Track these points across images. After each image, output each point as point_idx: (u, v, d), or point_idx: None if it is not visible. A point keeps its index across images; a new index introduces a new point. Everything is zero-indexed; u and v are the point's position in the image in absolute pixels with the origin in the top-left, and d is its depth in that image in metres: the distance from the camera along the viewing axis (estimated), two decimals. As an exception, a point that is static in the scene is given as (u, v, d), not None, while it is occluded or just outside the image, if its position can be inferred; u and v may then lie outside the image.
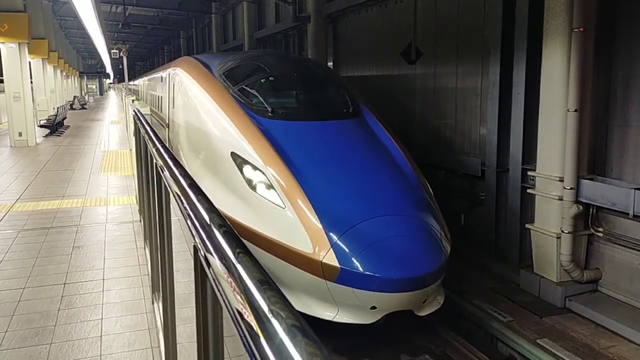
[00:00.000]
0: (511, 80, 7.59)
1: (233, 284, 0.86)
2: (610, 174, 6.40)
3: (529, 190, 7.11)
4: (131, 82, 36.35)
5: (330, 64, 14.42)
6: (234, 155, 5.88)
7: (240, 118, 6.22)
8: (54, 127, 16.33)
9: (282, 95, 7.04)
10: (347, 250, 4.82)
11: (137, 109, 5.76)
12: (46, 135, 15.60)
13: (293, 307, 0.72)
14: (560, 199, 6.41)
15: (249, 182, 5.59)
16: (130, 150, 10.76)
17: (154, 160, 2.66)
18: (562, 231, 6.42)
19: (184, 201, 1.51)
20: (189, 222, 1.34)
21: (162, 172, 2.19)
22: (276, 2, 18.65)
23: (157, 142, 2.74)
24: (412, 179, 5.94)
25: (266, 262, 5.13)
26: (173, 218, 2.46)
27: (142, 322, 3.44)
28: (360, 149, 6.15)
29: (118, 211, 6.43)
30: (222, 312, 1.14)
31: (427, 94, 10.20)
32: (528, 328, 6.07)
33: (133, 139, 7.08)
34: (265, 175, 5.52)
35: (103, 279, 4.21)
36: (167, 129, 9.84)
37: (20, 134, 13.15)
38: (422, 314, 5.33)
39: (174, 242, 2.45)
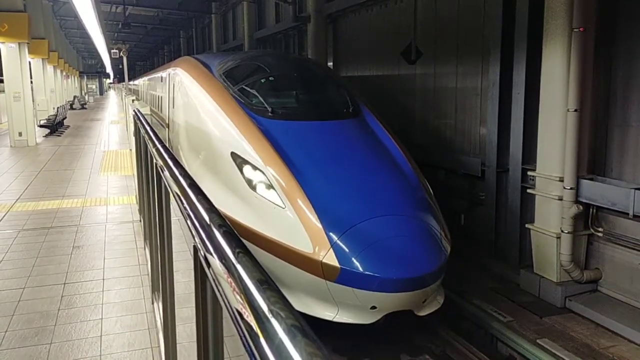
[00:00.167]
0: (511, 80, 7.59)
1: (233, 284, 0.86)
2: (610, 174, 6.40)
3: (529, 190, 7.11)
4: (131, 82, 36.35)
5: (330, 64, 14.42)
6: (234, 155, 5.88)
7: (240, 118, 6.22)
8: (54, 127, 16.33)
9: (282, 95, 7.04)
10: (347, 250, 4.82)
11: (137, 109, 5.76)
12: (46, 135, 15.60)
13: (293, 307, 0.72)
14: (560, 199, 6.41)
15: (249, 182, 5.59)
16: (130, 150, 10.76)
17: (154, 160, 2.66)
18: (562, 231, 6.42)
19: (184, 201, 1.51)
20: (188, 222, 1.34)
21: (162, 172, 2.19)
22: (276, 2, 18.65)
23: (157, 142, 2.74)
24: (412, 179, 5.94)
25: (266, 262, 5.13)
26: (173, 218, 2.46)
27: (142, 322, 3.44)
28: (360, 149, 6.15)
29: (118, 211, 6.43)
30: (222, 312, 1.14)
31: (427, 94, 10.20)
32: (528, 328, 6.07)
33: (133, 138, 7.08)
34: (265, 175, 5.52)
35: (103, 279, 4.21)
36: (167, 129, 9.84)
37: (20, 134, 13.15)
38: (422, 314, 5.33)
39: (174, 242, 2.45)
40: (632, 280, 6.13)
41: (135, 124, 5.03)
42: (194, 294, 1.28)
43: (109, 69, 57.06)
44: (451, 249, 5.51)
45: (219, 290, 0.95)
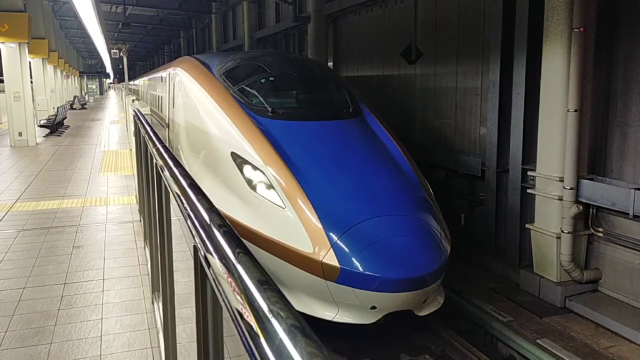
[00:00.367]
0: (511, 80, 7.59)
1: (233, 284, 0.86)
2: (610, 174, 6.41)
3: (529, 190, 7.11)
4: (131, 82, 36.38)
5: (330, 63, 14.43)
6: (234, 155, 5.88)
7: (240, 118, 6.22)
8: (54, 127, 16.33)
9: (283, 95, 7.04)
10: (347, 250, 4.82)
11: (137, 109, 5.76)
12: (46, 135, 15.60)
13: (293, 307, 0.72)
14: (560, 199, 6.41)
15: (249, 182, 5.59)
16: (130, 150, 10.76)
17: (154, 160, 2.66)
18: (562, 231, 6.42)
19: (184, 201, 1.51)
20: (189, 222, 1.34)
21: (162, 172, 2.19)
22: (276, 2, 18.66)
23: (157, 142, 2.74)
24: (412, 179, 5.94)
25: (266, 262, 5.13)
26: (173, 218, 2.46)
27: (142, 322, 3.44)
28: (361, 149, 6.15)
29: (118, 211, 6.43)
30: (222, 312, 1.14)
31: (428, 93, 10.20)
32: (528, 328, 6.08)
33: (133, 138, 7.08)
34: (265, 175, 5.52)
35: (103, 279, 4.21)
36: (167, 128, 9.84)
37: (20, 134, 13.15)
38: (422, 313, 5.33)
39: (174, 242, 2.45)
40: (632, 281, 6.13)
41: (135, 124, 5.03)
42: (194, 294, 1.28)
43: (109, 69, 57.11)
44: (451, 249, 5.51)
45: (219, 290, 0.95)
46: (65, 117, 19.97)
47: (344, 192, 5.38)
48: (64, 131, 17.14)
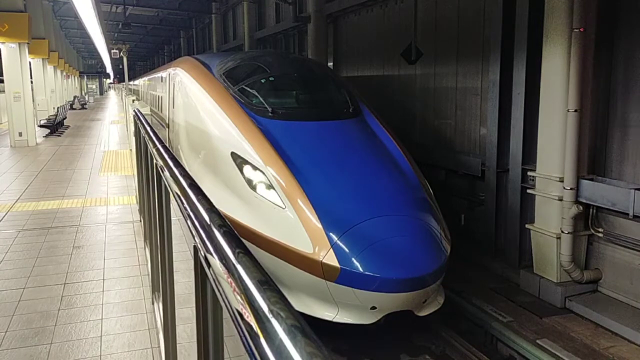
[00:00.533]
0: (511, 80, 7.59)
1: (233, 284, 0.86)
2: (610, 174, 6.41)
3: (529, 191, 7.11)
4: (131, 82, 36.38)
5: (330, 64, 14.43)
6: (234, 155, 5.88)
7: (240, 118, 6.22)
8: (54, 127, 16.33)
9: (283, 95, 7.04)
10: (347, 250, 4.82)
11: (137, 109, 5.76)
12: (46, 135, 15.60)
13: (293, 308, 0.72)
14: (560, 199, 6.41)
15: (249, 182, 5.59)
16: (130, 150, 10.76)
17: (154, 161, 2.66)
18: (562, 231, 6.42)
19: (184, 201, 1.51)
20: (189, 222, 1.34)
21: (162, 172, 2.19)
22: (276, 2, 18.66)
23: (157, 142, 2.74)
24: (412, 179, 5.94)
25: (266, 262, 5.13)
26: (173, 218, 2.46)
27: (142, 322, 3.44)
28: (361, 149, 6.15)
29: (118, 211, 6.43)
30: (222, 312, 1.14)
31: (428, 94, 10.20)
32: (528, 328, 6.08)
33: (133, 139, 7.08)
34: (266, 175, 5.52)
35: (103, 279, 4.21)
36: (167, 129, 9.84)
37: (20, 134, 13.15)
38: (422, 314, 5.33)
39: (174, 242, 2.45)
40: (632, 281, 6.13)
41: (136, 124, 5.03)
42: (194, 294, 1.28)
43: (109, 69, 57.09)
44: (451, 249, 5.51)
45: (219, 291, 0.95)
46: (65, 117, 19.97)
47: (344, 192, 5.38)
48: (64, 131, 17.14)
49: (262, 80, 7.17)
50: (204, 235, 1.15)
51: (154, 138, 2.99)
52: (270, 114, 6.32)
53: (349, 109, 6.79)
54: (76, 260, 4.67)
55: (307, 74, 7.54)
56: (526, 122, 7.32)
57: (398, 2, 11.18)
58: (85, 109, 31.64)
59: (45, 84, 20.25)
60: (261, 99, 6.61)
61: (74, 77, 43.92)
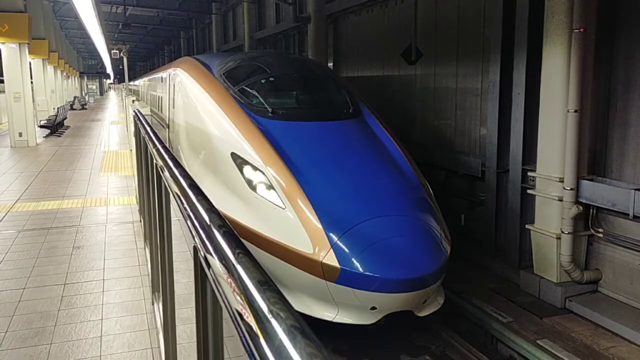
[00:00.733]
0: (511, 81, 7.59)
1: (233, 284, 0.86)
2: (610, 174, 6.41)
3: (529, 191, 7.11)
4: (131, 83, 36.38)
5: (330, 64, 14.43)
6: (234, 156, 5.88)
7: (240, 118, 6.22)
8: (54, 127, 16.33)
9: (283, 96, 7.04)
10: (347, 250, 4.82)
11: (137, 109, 5.76)
12: (46, 136, 15.60)
13: (293, 308, 0.72)
14: (560, 199, 6.41)
15: (249, 182, 5.59)
16: (130, 150, 10.76)
17: (154, 161, 2.66)
18: (562, 232, 6.42)
19: (184, 202, 1.51)
20: (189, 222, 1.34)
21: (162, 173, 2.20)
22: (276, 2, 18.66)
23: (157, 143, 2.74)
24: (412, 179, 5.94)
25: (266, 262, 5.13)
26: (173, 218, 2.46)
27: (142, 323, 3.44)
28: (361, 149, 6.15)
29: (118, 211, 6.43)
30: (222, 312, 1.14)
31: (428, 94, 10.20)
32: (528, 329, 6.08)
33: (133, 139, 7.08)
34: (266, 176, 5.52)
35: (103, 280, 4.21)
36: (167, 129, 9.84)
37: (20, 134, 13.16)
38: (422, 314, 5.33)
39: (174, 242, 2.45)
40: (632, 281, 6.13)
41: (136, 124, 5.03)
42: (194, 295, 1.28)
43: (109, 70, 57.07)
44: (451, 249, 5.51)
45: (219, 291, 0.95)
46: (66, 118, 19.98)
47: (344, 192, 5.38)
48: (64, 132, 17.15)
49: (262, 81, 7.17)
50: (203, 236, 1.15)
51: (154, 138, 2.99)
52: (270, 115, 6.32)
53: (349, 110, 6.79)
54: (76, 260, 4.67)
55: (307, 74, 7.54)
56: (526, 123, 7.32)
57: (398, 2, 11.19)
58: (86, 109, 31.64)
59: (46, 84, 20.25)
60: (261, 99, 6.61)
61: (74, 77, 43.92)
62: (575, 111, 6.17)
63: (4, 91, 15.44)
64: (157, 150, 2.55)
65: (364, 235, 4.93)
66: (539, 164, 6.80)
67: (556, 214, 6.51)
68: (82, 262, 4.64)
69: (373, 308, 4.90)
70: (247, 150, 5.81)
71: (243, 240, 1.04)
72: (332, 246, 4.84)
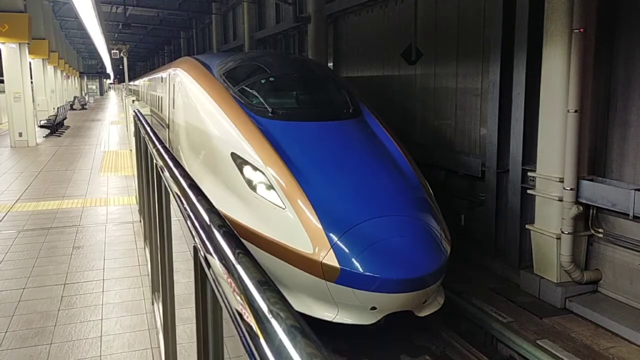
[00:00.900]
0: (511, 81, 7.59)
1: (233, 284, 0.86)
2: (610, 174, 6.41)
3: (529, 191, 7.11)
4: (131, 83, 36.38)
5: (330, 64, 14.43)
6: (234, 156, 5.88)
7: (240, 118, 6.22)
8: (54, 127, 16.33)
9: (283, 96, 7.04)
10: (347, 250, 4.82)
11: (137, 109, 5.76)
12: (46, 136, 15.60)
13: (293, 308, 0.72)
14: (561, 199, 6.41)
15: (249, 182, 5.59)
16: (130, 150, 10.76)
17: (154, 161, 2.66)
18: (562, 232, 6.42)
19: (184, 202, 1.51)
20: (189, 222, 1.34)
21: (162, 173, 2.19)
22: (276, 2, 18.66)
23: (157, 143, 2.74)
24: (412, 179, 5.94)
25: (266, 262, 5.13)
26: (173, 218, 2.46)
27: (142, 323, 3.44)
28: (361, 149, 6.15)
29: (118, 211, 6.43)
30: (222, 312, 1.14)
31: (428, 94, 10.20)
32: (528, 329, 6.08)
33: (133, 139, 7.08)
34: (266, 176, 5.52)
35: (103, 280, 4.21)
36: (167, 129, 9.84)
37: (20, 134, 13.16)
38: (422, 314, 5.33)
39: (174, 242, 2.45)
40: (632, 281, 6.13)
41: (136, 124, 5.03)
42: (194, 295, 1.28)
43: (109, 70, 57.06)
44: (451, 249, 5.51)
45: (219, 291, 0.95)
46: (66, 118, 19.98)
47: (344, 192, 5.38)
48: (64, 131, 17.15)
49: (262, 81, 7.17)
50: (203, 236, 1.15)
51: (154, 138, 2.99)
52: (270, 115, 6.32)
53: (349, 110, 6.79)
54: (76, 260, 4.67)
55: (307, 74, 7.54)
56: (526, 123, 7.32)
57: (398, 2, 11.19)
58: (86, 109, 31.64)
59: (46, 84, 20.25)
60: (261, 99, 6.61)
61: (74, 77, 43.92)
62: (575, 111, 6.17)
63: (4, 91, 15.44)
64: (157, 150, 2.55)
65: (364, 235, 4.92)
66: (539, 164, 6.80)
67: (556, 214, 6.51)
68: (82, 262, 4.63)
69: (373, 308, 4.90)
70: (247, 150, 5.81)
71: (243, 241, 1.04)
72: (332, 246, 4.84)
